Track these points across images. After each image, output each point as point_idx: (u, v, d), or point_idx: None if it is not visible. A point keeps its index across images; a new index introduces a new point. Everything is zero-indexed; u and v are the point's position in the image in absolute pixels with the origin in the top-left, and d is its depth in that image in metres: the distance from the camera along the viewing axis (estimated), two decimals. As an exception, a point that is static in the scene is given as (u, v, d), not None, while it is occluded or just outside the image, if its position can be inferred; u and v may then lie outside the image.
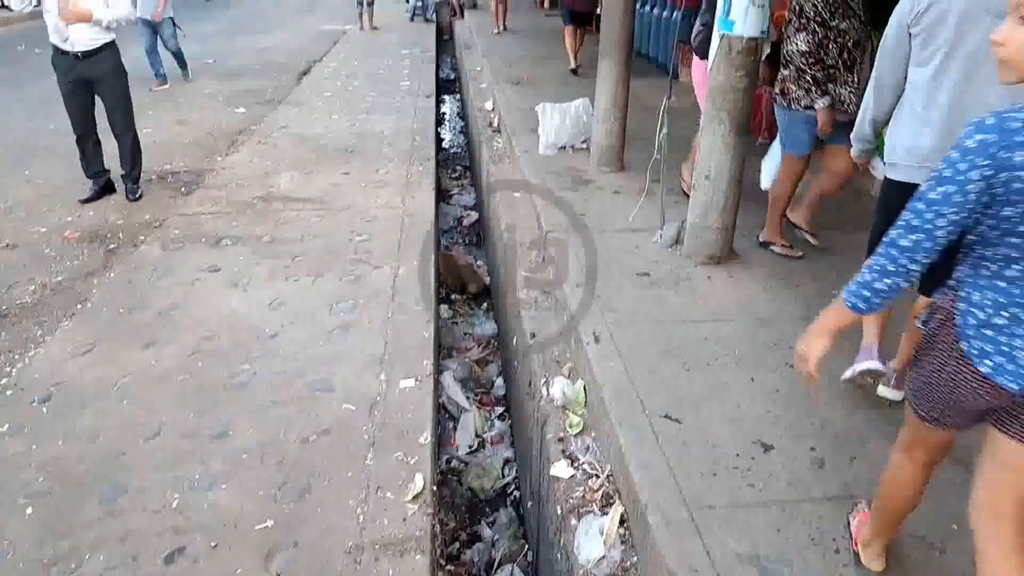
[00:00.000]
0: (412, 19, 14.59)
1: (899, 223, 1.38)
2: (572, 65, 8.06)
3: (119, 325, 3.25)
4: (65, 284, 3.84)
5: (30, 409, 2.66)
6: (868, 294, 1.42)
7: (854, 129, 2.57)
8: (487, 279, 5.02)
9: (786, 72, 3.24)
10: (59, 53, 4.50)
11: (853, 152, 2.64)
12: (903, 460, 1.68)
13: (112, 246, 4.30)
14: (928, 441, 1.61)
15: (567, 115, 5.32)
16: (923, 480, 1.67)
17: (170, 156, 5.99)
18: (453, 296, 4.86)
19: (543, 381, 2.89)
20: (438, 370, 3.31)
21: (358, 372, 2.92)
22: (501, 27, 11.60)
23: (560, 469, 2.44)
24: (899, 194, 2.05)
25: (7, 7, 15.13)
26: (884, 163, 2.38)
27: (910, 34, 2.22)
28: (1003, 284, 1.34)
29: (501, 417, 3.64)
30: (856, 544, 1.86)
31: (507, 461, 3.36)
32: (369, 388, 2.82)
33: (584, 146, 5.22)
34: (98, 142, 4.87)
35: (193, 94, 8.33)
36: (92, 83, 4.62)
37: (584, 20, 8.24)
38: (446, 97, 10.66)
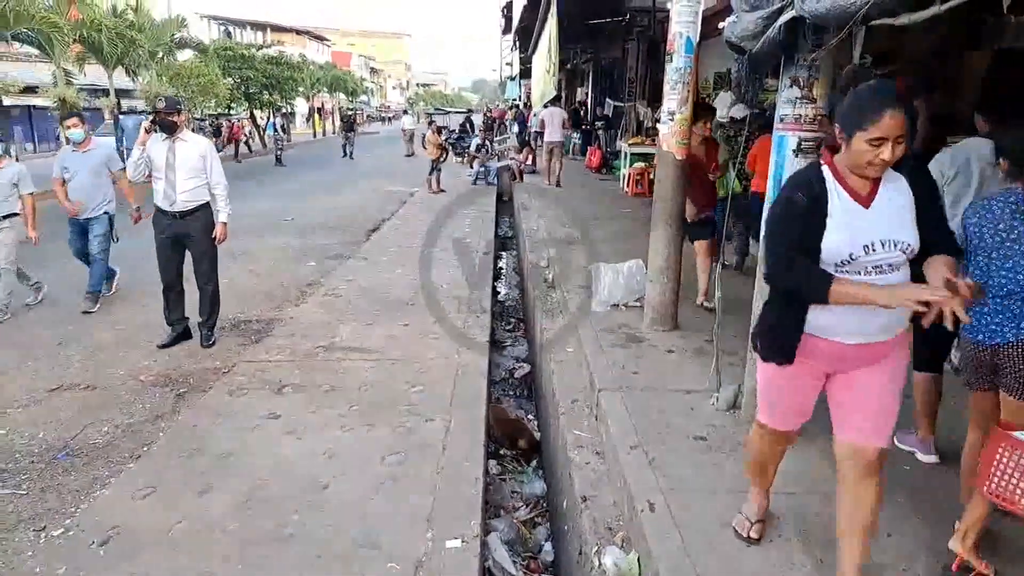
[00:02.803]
0: (475, 183, 15.68)
1: None
2: (704, 301, 5.48)
3: (179, 470, 3.33)
4: (135, 426, 4.01)
5: (88, 552, 2.70)
6: None
7: None
8: (537, 434, 4.97)
9: None
10: (161, 212, 5.02)
11: None
12: (975, 429, 2.56)
13: (182, 390, 4.50)
14: (980, 404, 2.52)
15: (620, 274, 5.50)
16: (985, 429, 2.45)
17: (243, 305, 6.39)
18: (502, 451, 4.80)
19: (595, 550, 2.78)
20: (485, 530, 3.23)
21: (405, 529, 2.88)
22: (554, 183, 12.99)
23: (612, 650, 2.29)
24: None
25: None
26: None
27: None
28: None
29: (550, 586, 3.45)
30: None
31: (555, 636, 3.15)
32: (415, 547, 2.76)
33: (637, 304, 5.33)
34: (182, 291, 5.27)
35: (269, 248, 8.99)
36: (185, 238, 5.10)
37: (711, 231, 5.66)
38: (503, 254, 11.16)
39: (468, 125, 24.79)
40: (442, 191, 14.21)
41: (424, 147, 15.46)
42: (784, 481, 2.68)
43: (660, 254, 4.81)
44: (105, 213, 6.16)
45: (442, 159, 14.66)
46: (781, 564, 2.40)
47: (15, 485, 3.36)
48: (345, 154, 24.62)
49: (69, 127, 6.08)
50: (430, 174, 14.38)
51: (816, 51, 2.85)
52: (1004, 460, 2.12)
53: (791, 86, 3.04)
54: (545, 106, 14.46)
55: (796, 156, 3.10)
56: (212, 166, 5.09)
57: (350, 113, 29.02)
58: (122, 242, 6.58)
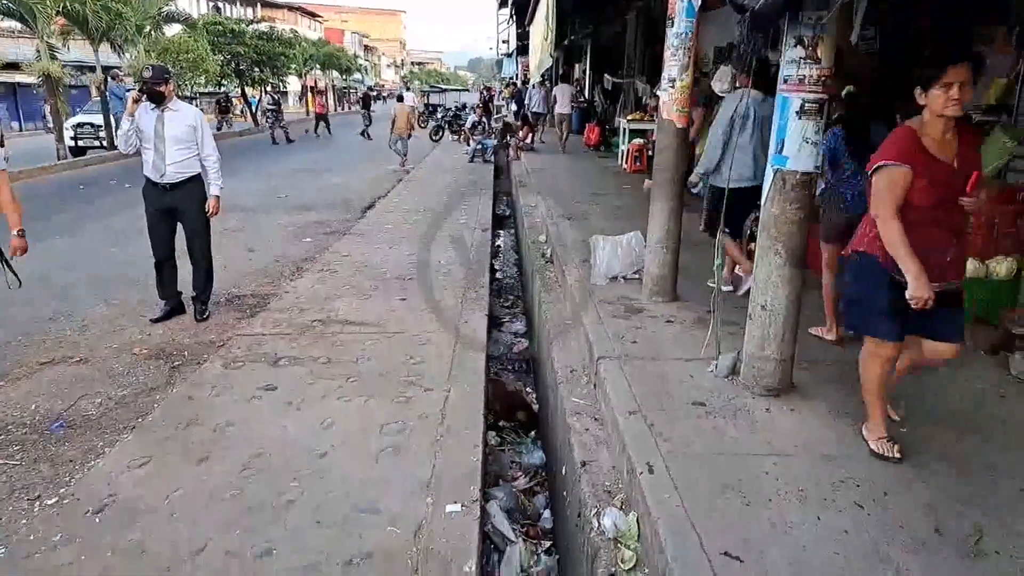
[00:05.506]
0: (472, 160, 15.56)
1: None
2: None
3: (176, 440, 3.30)
4: (129, 398, 3.97)
5: (84, 520, 2.68)
6: None
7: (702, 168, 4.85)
8: (536, 406, 4.95)
9: None
10: (151, 184, 4.95)
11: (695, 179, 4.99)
12: (827, 272, 4.04)
13: (177, 363, 4.46)
14: (828, 254, 4.04)
15: (619, 247, 5.46)
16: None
17: (239, 280, 6.34)
18: (501, 423, 4.79)
19: (593, 512, 2.77)
20: (484, 498, 3.22)
21: (405, 495, 2.86)
22: (563, 148, 14.99)
23: (613, 610, 2.28)
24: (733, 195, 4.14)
25: (105, 147, 16.94)
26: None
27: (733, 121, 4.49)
28: None
29: (548, 552, 3.45)
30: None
31: (555, 601, 3.15)
32: (415, 512, 2.74)
33: (636, 276, 5.29)
34: (175, 266, 5.20)
35: (265, 225, 8.91)
36: (176, 212, 5.02)
37: None
38: (501, 231, 11.09)
39: (486, 104, 24.57)
40: (403, 168, 14.81)
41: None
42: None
43: (659, 225, 4.76)
44: None
45: (435, 137, 14.71)
46: (780, 523, 2.39)
47: (7, 455, 3.33)
48: (363, 134, 22.93)
49: None
50: (403, 153, 15.06)
51: (822, 8, 2.79)
52: None
53: (795, 46, 2.98)
54: (542, 80, 14.37)
55: (799, 118, 3.05)
56: (203, 137, 5.00)
57: (371, 92, 28.83)
58: (117, 219, 6.46)
